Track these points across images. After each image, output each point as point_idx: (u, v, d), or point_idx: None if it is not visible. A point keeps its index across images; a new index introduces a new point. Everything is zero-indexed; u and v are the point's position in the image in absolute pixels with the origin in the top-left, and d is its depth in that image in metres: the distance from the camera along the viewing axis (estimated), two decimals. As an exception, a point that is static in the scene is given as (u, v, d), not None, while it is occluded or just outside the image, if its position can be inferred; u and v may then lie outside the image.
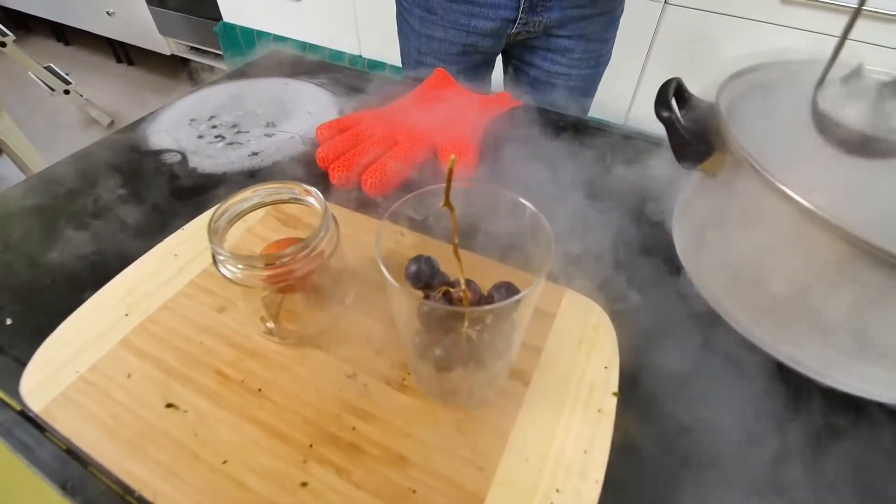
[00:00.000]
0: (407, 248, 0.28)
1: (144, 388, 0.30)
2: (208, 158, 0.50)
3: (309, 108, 0.58)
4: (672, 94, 0.35)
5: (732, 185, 0.32)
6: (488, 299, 0.28)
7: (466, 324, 0.26)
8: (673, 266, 0.38)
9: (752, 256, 0.31)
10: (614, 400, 0.31)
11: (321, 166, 0.48)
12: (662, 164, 0.45)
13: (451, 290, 0.27)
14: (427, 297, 0.28)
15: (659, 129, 0.54)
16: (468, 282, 0.28)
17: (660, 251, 0.39)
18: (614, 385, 0.31)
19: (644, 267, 0.39)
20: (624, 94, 1.13)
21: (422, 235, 0.30)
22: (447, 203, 0.23)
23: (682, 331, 0.35)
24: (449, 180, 0.22)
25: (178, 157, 0.51)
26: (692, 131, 0.34)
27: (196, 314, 0.34)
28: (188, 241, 0.40)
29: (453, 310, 0.25)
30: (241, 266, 0.27)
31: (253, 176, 0.48)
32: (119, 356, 0.32)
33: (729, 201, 0.33)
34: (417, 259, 0.27)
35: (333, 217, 0.30)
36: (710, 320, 0.34)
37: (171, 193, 0.46)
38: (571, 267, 0.38)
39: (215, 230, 0.28)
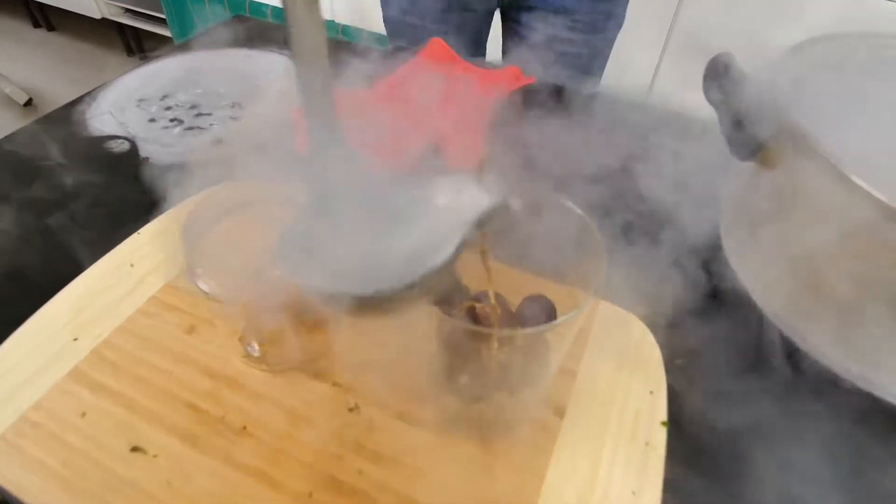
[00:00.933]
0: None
1: (104, 429, 0.29)
2: (163, 147, 0.49)
3: (281, 86, 0.58)
4: (723, 72, 0.35)
5: (796, 181, 0.33)
6: (519, 316, 0.28)
7: (496, 346, 0.26)
8: (721, 271, 0.38)
9: (818, 264, 0.31)
10: (663, 431, 0.31)
11: (303, 153, 0.47)
12: (707, 152, 0.45)
13: (477, 305, 0.27)
14: (447, 312, 0.27)
15: (691, 111, 0.55)
16: (495, 296, 0.28)
17: (705, 254, 0.39)
18: (662, 413, 0.31)
19: (688, 273, 0.39)
20: (644, 68, 1.14)
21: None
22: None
23: (736, 347, 0.35)
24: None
25: (127, 146, 0.49)
26: (749, 117, 0.34)
27: (161, 336, 0.33)
28: (146, 248, 0.39)
29: (486, 331, 0.24)
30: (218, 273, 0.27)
31: (219, 166, 0.47)
32: (69, 390, 0.31)
33: (792, 200, 0.33)
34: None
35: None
36: (769, 335, 0.34)
37: (120, 190, 0.45)
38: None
39: (190, 235, 0.28)
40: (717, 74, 0.35)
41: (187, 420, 0.30)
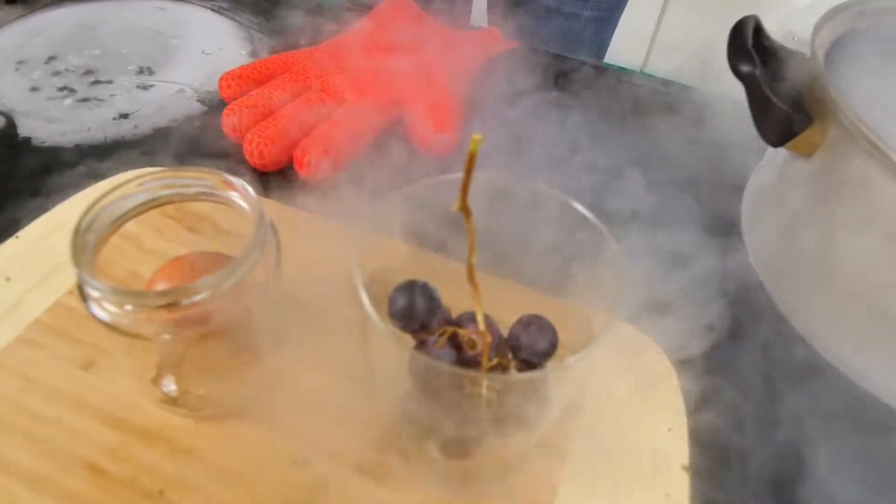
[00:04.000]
0: (383, 265, 0.26)
1: (-31, 501, 0.26)
2: (50, 123, 0.46)
3: (204, 46, 0.54)
4: (751, 41, 0.34)
5: (839, 171, 0.32)
6: (512, 341, 0.27)
7: (485, 384, 0.25)
8: (747, 280, 0.38)
9: (865, 271, 0.31)
10: (685, 478, 0.30)
11: (230, 135, 0.44)
12: (725, 133, 0.45)
13: (461, 331, 0.25)
14: (423, 342, 0.26)
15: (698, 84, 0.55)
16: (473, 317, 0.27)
17: (726, 259, 0.39)
18: (683, 455, 0.31)
19: (707, 283, 0.38)
20: (639, 33, 1.14)
21: (406, 246, 0.28)
22: (463, 205, 0.21)
23: (767, 372, 0.35)
24: (468, 172, 0.20)
25: (1, 122, 0.46)
26: (783, 95, 0.33)
27: (48, 374, 0.30)
28: (26, 256, 0.36)
29: (474, 375, 0.23)
30: (128, 307, 0.24)
31: (124, 149, 0.44)
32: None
33: (836, 193, 0.33)
34: (408, 288, 0.25)
35: (272, 225, 0.27)
36: (808, 359, 0.34)
37: (-8, 179, 0.41)
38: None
39: (82, 246, 0.25)
40: (745, 41, 0.34)
41: (84, 484, 0.27)
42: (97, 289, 0.24)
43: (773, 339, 0.37)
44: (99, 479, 0.27)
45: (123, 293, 0.24)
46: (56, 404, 0.30)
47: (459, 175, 0.21)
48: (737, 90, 0.36)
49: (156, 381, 0.29)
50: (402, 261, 0.29)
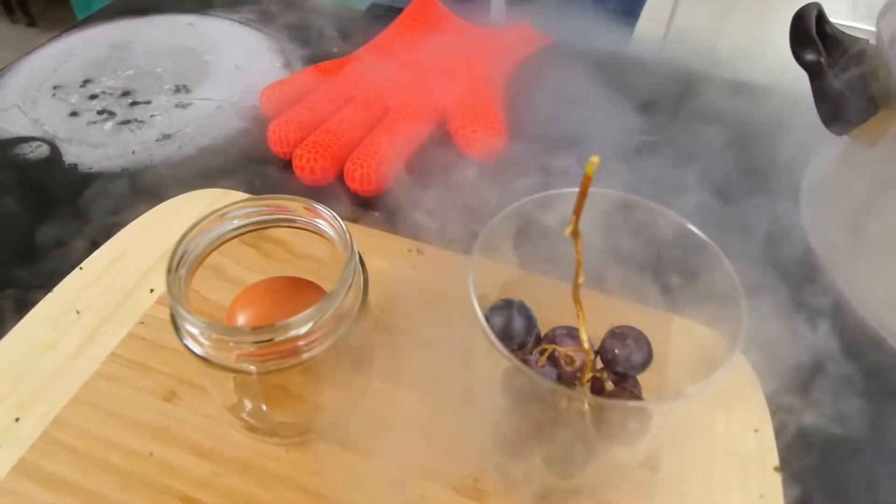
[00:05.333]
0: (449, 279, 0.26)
1: (72, 542, 0.26)
2: (94, 148, 0.45)
3: (237, 61, 0.54)
4: (814, 28, 0.34)
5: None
6: (605, 354, 0.26)
7: (587, 402, 0.24)
8: (812, 273, 0.38)
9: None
10: (778, 478, 0.30)
11: (277, 152, 0.44)
12: (784, 124, 0.45)
13: (559, 349, 0.25)
14: (525, 360, 0.25)
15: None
16: (571, 332, 0.26)
17: (792, 253, 0.39)
18: (773, 456, 0.30)
19: (771, 277, 0.38)
20: (658, 13, 1.13)
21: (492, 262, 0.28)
22: (575, 229, 0.21)
23: (844, 370, 0.34)
24: (583, 195, 0.20)
25: (45, 149, 0.45)
26: (848, 83, 0.33)
27: (132, 408, 0.30)
28: (93, 289, 0.35)
29: (608, 403, 0.22)
30: (220, 337, 0.24)
31: (172, 170, 0.44)
32: (15, 491, 0.27)
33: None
34: (506, 307, 0.25)
35: (358, 254, 0.27)
36: (874, 343, 0.34)
37: (42, 208, 0.41)
38: (672, 289, 0.37)
39: (176, 283, 0.25)
40: (808, 29, 0.34)
41: (183, 519, 0.27)
42: (196, 325, 0.24)
43: (836, 324, 0.36)
44: (198, 512, 0.27)
45: (223, 330, 0.24)
46: (144, 438, 0.29)
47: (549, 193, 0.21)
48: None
49: (236, 409, 0.29)
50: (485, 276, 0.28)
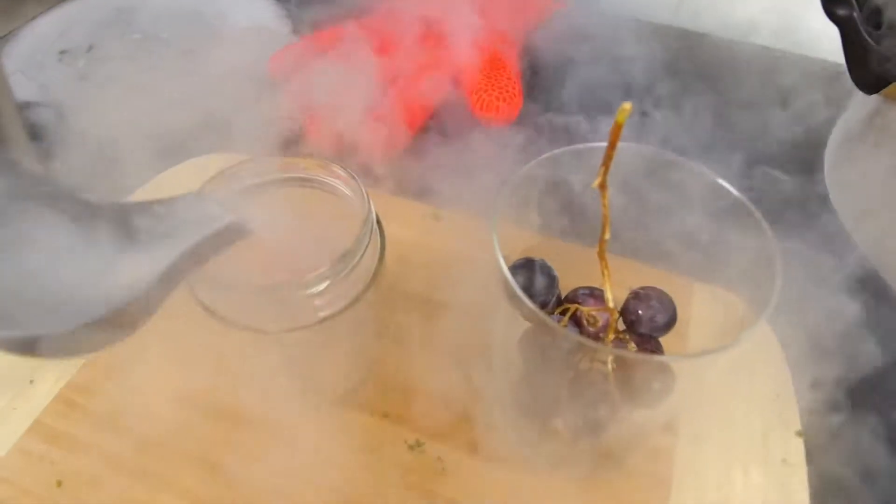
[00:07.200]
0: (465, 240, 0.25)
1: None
2: (103, 114, 0.44)
3: (244, 26, 0.53)
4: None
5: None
6: (628, 315, 0.26)
7: (611, 360, 0.24)
8: (835, 240, 0.37)
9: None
10: (800, 443, 0.29)
11: (290, 117, 0.43)
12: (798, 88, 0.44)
13: (582, 308, 0.24)
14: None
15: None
16: (593, 292, 0.26)
17: (815, 218, 0.38)
18: (795, 421, 0.30)
19: (793, 239, 0.37)
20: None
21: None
22: (603, 181, 0.20)
23: (872, 332, 0.33)
24: (613, 146, 0.19)
25: (52, 114, 0.44)
26: (881, 38, 0.32)
27: (146, 369, 0.30)
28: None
29: (654, 358, 0.21)
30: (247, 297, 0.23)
31: (183, 136, 0.43)
32: (31, 452, 0.27)
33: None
34: (527, 266, 0.24)
35: (376, 214, 0.26)
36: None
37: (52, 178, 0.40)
38: (695, 250, 0.36)
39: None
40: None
41: (197, 482, 0.27)
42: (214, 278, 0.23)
43: (859, 289, 0.35)
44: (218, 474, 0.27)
45: (238, 286, 0.23)
46: (165, 402, 0.29)
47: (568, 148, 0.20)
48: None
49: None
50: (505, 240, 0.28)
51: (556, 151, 0.24)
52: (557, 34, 0.51)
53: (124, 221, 0.17)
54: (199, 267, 0.18)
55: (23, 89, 0.46)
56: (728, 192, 0.23)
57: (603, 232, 0.21)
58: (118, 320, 0.15)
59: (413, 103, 0.43)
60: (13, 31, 0.51)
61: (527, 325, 0.25)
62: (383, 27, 0.50)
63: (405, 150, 0.41)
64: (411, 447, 0.28)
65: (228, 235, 0.18)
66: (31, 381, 0.30)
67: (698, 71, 0.51)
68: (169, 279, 0.16)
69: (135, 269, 0.16)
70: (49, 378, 0.30)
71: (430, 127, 0.43)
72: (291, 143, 0.42)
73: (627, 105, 0.18)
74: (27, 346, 0.14)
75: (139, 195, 0.38)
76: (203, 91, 0.47)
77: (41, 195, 0.16)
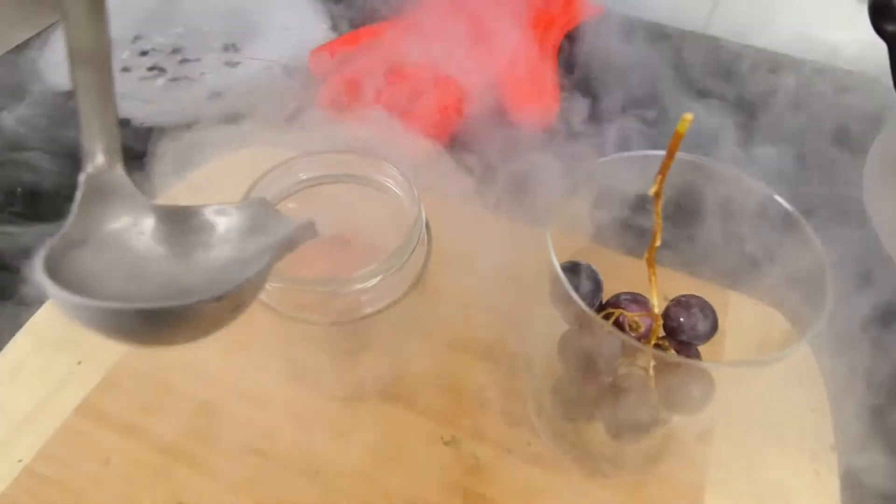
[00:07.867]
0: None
1: (139, 483, 0.27)
2: (146, 104, 0.45)
3: (284, 22, 0.53)
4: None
5: None
6: (669, 322, 0.26)
7: (652, 364, 0.24)
8: (873, 256, 0.37)
9: None
10: (833, 457, 0.29)
11: (329, 112, 0.44)
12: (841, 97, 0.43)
13: (626, 313, 0.25)
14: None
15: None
16: (636, 298, 0.26)
17: (854, 231, 0.38)
18: (829, 435, 0.30)
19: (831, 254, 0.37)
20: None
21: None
22: (659, 189, 0.20)
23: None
24: (671, 155, 0.19)
25: (98, 103, 0.45)
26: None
27: (193, 357, 0.31)
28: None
29: (700, 364, 0.22)
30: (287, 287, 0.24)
31: (224, 127, 0.44)
32: (80, 430, 0.28)
33: None
34: (573, 270, 0.25)
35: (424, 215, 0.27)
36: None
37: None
38: (732, 259, 0.36)
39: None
40: (891, 2, 0.32)
41: (248, 470, 0.27)
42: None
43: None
44: (259, 460, 0.28)
45: (290, 278, 0.24)
46: (204, 383, 0.30)
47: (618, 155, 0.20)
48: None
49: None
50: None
51: (610, 157, 0.24)
52: (596, 37, 0.52)
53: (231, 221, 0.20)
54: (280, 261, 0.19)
55: (65, 80, 0.47)
56: (780, 205, 0.23)
57: (654, 239, 0.22)
58: (239, 298, 0.16)
59: (451, 104, 0.44)
60: (54, 24, 0.52)
61: (565, 327, 0.26)
62: (421, 27, 0.50)
63: (445, 150, 0.41)
64: (447, 443, 0.29)
65: (304, 234, 0.20)
66: (79, 363, 0.30)
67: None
68: (269, 268, 0.18)
69: (248, 256, 0.18)
70: (97, 358, 0.30)
71: (466, 129, 0.44)
72: (330, 139, 0.43)
73: (689, 115, 0.18)
74: (169, 323, 0.15)
75: (181, 187, 0.39)
76: (244, 84, 0.47)
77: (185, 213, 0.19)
